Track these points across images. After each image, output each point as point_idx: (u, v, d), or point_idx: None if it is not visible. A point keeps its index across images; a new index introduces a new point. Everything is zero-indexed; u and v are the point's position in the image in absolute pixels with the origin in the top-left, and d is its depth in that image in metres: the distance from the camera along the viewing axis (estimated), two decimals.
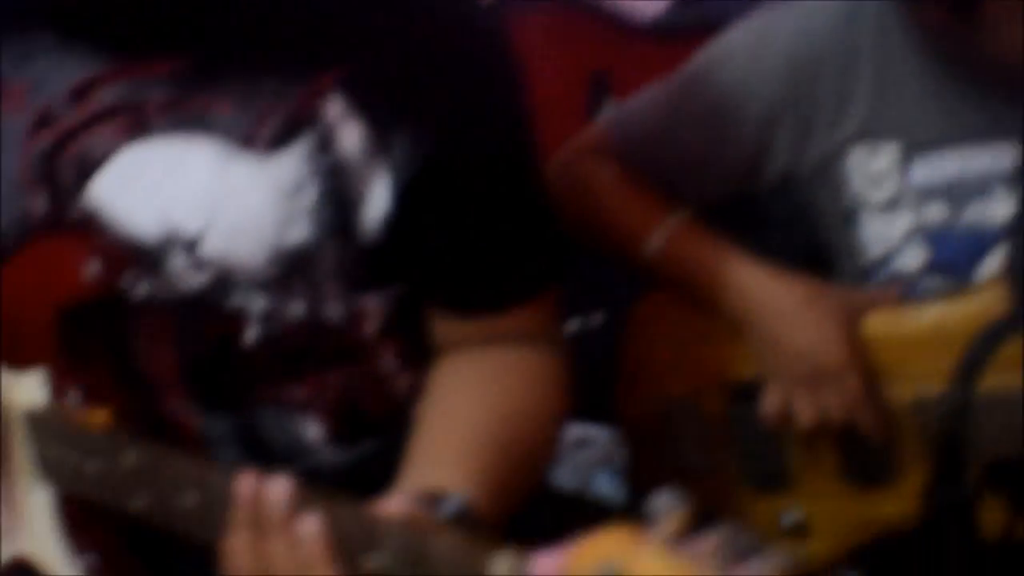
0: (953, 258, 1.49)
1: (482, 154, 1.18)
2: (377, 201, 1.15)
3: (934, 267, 1.49)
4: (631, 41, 2.09)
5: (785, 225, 1.58)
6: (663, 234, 1.52)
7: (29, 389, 1.21)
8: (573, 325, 1.80)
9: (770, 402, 1.49)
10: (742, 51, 1.51)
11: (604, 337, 1.64)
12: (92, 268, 1.15)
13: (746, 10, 1.56)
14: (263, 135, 1.12)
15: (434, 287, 1.22)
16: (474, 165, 1.17)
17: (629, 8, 2.11)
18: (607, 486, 1.82)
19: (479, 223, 1.20)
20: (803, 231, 1.55)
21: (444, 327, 1.23)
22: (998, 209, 1.47)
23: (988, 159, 1.46)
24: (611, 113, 1.66)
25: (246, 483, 1.02)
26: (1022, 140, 1.45)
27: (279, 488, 1.01)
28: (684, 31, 2.00)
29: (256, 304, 1.17)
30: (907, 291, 1.48)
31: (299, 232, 1.15)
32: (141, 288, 1.17)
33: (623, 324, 1.61)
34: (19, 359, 1.22)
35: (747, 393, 1.52)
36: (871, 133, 1.47)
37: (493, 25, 1.18)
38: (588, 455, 1.80)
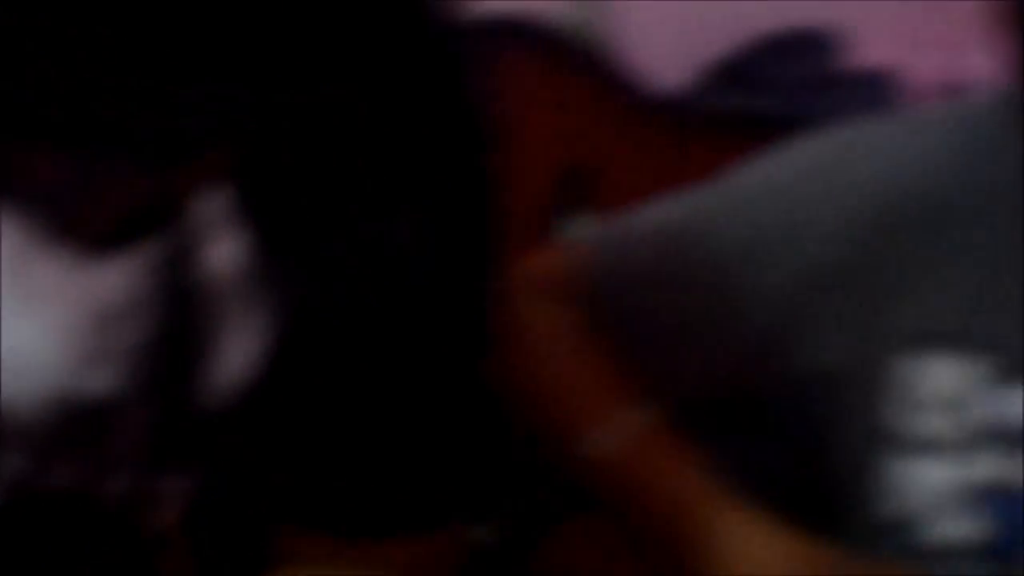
0: (1016, 536, 1.21)
1: (415, 305, 1.02)
2: (235, 353, 1.00)
3: (987, 546, 1.22)
4: (628, 125, 1.78)
5: (782, 441, 1.33)
6: (620, 429, 1.29)
7: None
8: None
9: None
10: (779, 198, 1.30)
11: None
12: None
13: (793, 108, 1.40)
14: (87, 225, 0.95)
15: (279, 483, 1.07)
16: (399, 319, 1.02)
17: (641, 77, 1.80)
18: None
19: (378, 405, 1.05)
20: (806, 453, 1.30)
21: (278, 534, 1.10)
22: None
23: None
24: (590, 238, 1.42)
25: None
26: None
27: None
28: (704, 120, 1.75)
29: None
30: None
31: (104, 380, 0.97)
32: None
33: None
34: None
35: None
36: (942, 340, 1.23)
37: (477, 106, 1.02)
38: None
